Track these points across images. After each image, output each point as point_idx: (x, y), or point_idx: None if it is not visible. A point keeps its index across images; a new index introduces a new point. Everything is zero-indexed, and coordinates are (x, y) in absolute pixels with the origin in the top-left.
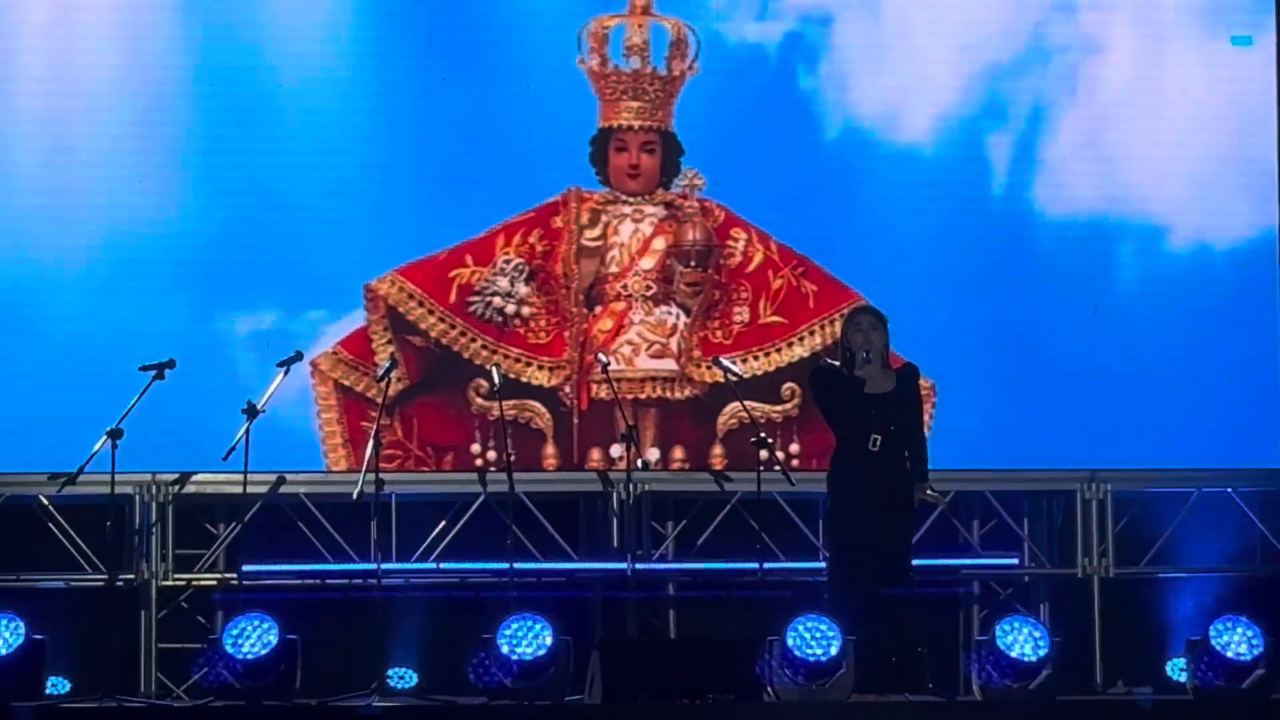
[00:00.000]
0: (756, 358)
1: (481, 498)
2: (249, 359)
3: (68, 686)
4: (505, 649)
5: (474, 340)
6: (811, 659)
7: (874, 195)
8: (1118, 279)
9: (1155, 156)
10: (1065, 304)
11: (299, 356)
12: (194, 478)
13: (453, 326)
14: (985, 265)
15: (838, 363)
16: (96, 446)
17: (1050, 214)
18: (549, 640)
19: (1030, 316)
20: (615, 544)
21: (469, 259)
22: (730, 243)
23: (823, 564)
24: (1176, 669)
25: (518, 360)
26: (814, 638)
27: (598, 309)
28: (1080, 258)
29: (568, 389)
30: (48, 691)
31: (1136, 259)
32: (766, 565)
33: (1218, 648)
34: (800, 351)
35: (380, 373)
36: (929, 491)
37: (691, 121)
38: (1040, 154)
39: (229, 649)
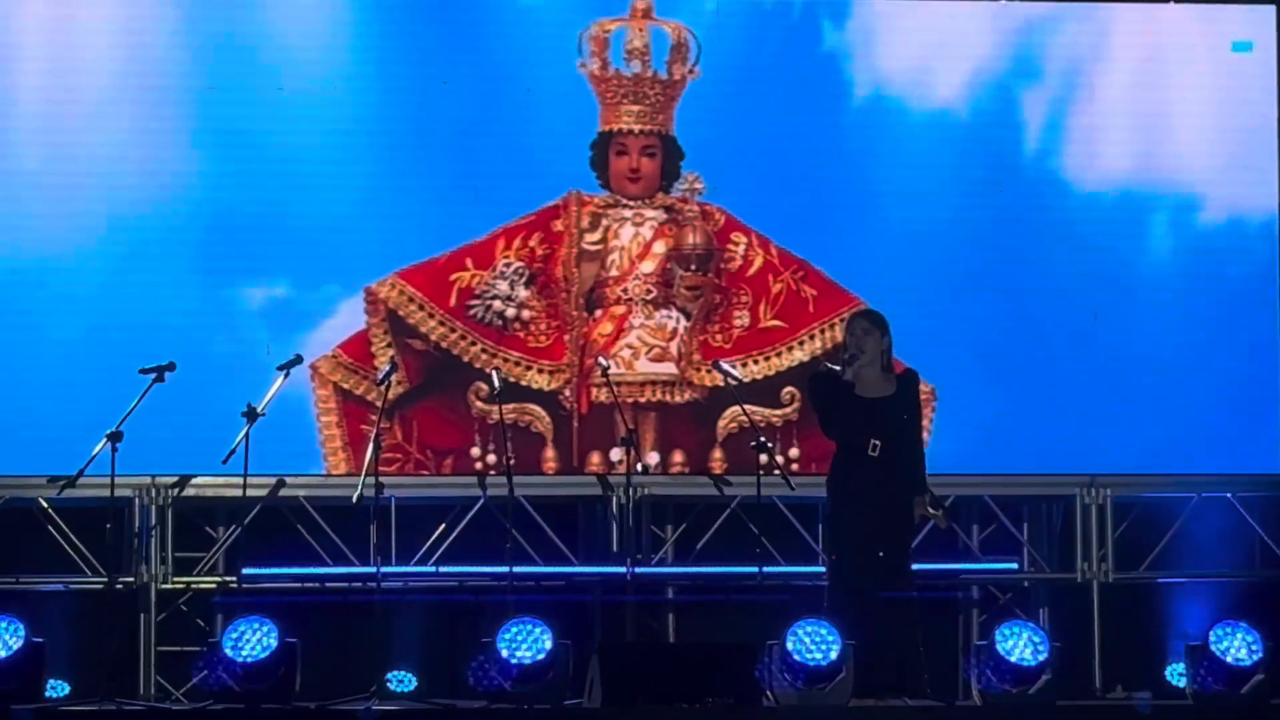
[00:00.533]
0: (756, 362)
1: (481, 501)
2: (247, 362)
3: (67, 689)
4: (504, 652)
5: (474, 344)
6: (811, 663)
7: (874, 194)
8: (1117, 281)
9: (1186, 128)
10: (1065, 308)
11: (299, 360)
12: (193, 480)
13: (453, 330)
14: (983, 267)
15: (837, 367)
16: (96, 449)
17: (1056, 196)
18: (548, 644)
19: (1030, 322)
20: (615, 548)
21: (469, 262)
22: (730, 246)
23: (822, 568)
24: (1176, 674)
25: (517, 364)
26: (813, 642)
27: (598, 313)
28: (1081, 254)
29: (567, 393)
30: (47, 694)
31: (1139, 255)
32: (766, 569)
33: (1217, 653)
34: (800, 356)
35: (380, 376)
36: (930, 509)
37: (692, 125)
38: (1070, 121)
39: (228, 652)
